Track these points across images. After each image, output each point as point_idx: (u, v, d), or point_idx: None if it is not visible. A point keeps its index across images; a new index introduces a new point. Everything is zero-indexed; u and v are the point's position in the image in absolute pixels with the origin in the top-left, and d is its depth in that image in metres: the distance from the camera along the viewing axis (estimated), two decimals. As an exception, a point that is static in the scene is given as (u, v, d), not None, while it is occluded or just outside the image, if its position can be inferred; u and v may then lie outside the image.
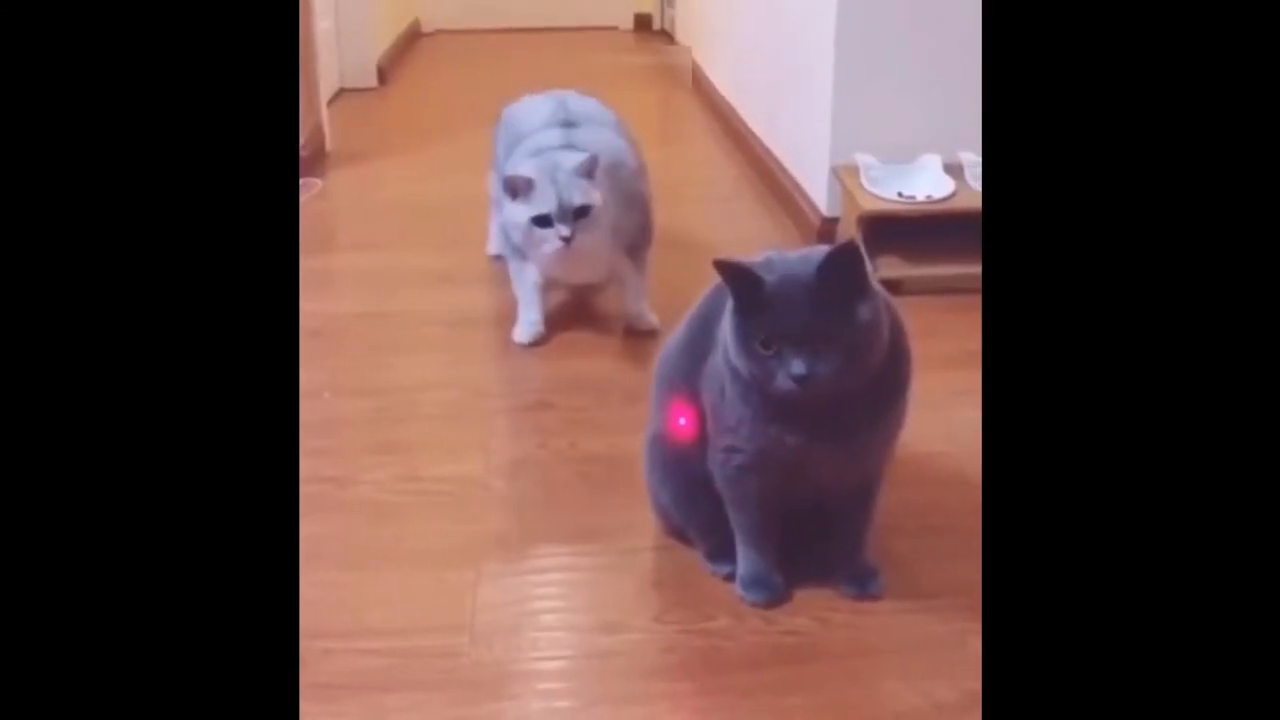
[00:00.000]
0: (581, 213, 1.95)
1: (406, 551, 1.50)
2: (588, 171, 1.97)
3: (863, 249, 1.17)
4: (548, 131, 2.14)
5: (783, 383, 1.15)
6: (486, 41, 5.86)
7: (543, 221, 1.95)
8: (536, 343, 2.11)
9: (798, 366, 1.14)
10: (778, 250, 1.23)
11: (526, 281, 2.13)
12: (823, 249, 1.17)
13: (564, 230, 1.94)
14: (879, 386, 1.22)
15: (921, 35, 2.41)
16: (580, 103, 2.26)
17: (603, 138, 2.15)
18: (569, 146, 2.06)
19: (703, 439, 1.33)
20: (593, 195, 1.96)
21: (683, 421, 1.33)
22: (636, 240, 2.15)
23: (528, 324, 2.13)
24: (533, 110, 2.24)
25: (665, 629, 1.33)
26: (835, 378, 1.15)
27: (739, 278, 1.17)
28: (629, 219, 2.11)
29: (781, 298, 1.15)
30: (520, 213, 1.97)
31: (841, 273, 1.15)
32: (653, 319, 2.14)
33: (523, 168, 2.00)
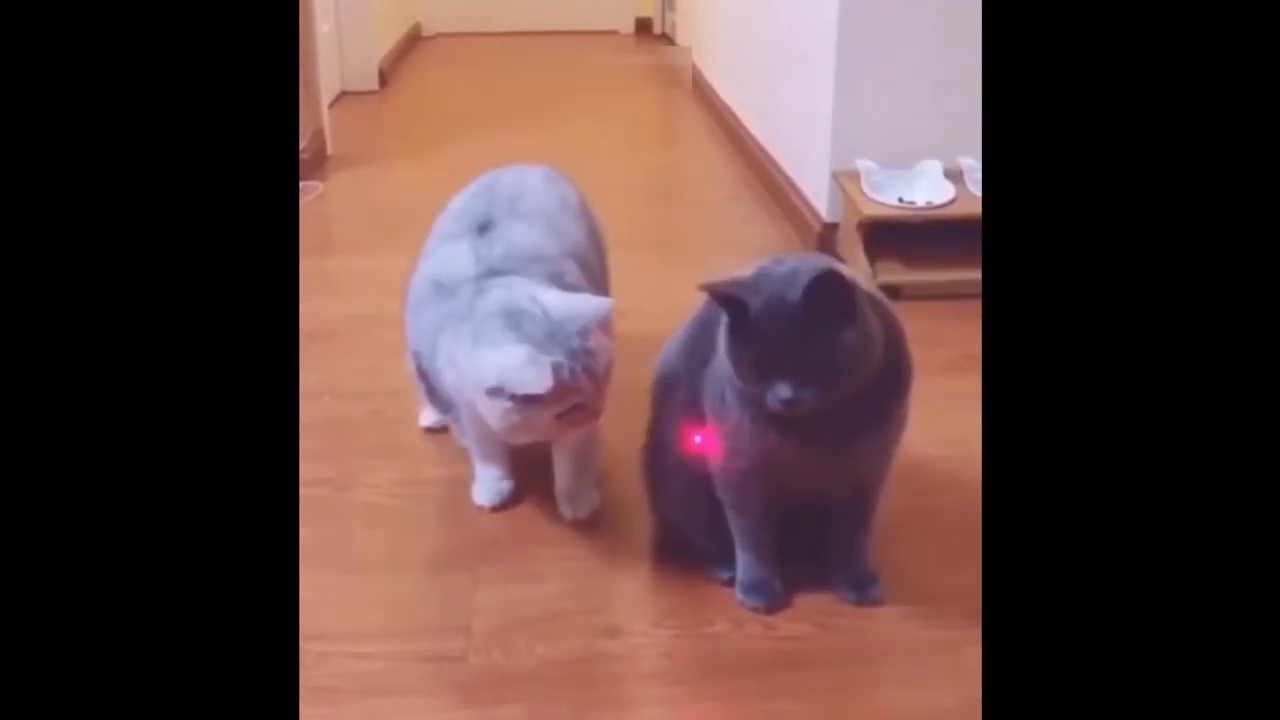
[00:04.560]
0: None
1: (404, 555, 1.49)
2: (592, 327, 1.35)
3: (845, 275, 1.16)
4: (456, 249, 1.58)
5: (771, 403, 1.17)
6: (487, 45, 5.86)
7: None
8: (503, 504, 1.59)
9: (784, 391, 1.15)
10: (774, 258, 1.22)
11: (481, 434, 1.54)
12: (811, 267, 1.15)
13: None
14: (879, 391, 1.22)
15: (922, 41, 2.41)
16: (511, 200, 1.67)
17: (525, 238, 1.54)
18: (490, 273, 1.46)
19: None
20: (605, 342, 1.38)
21: (698, 440, 1.32)
22: None
23: (491, 478, 1.59)
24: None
25: (663, 633, 1.33)
26: (821, 400, 1.16)
27: (726, 303, 1.18)
28: None
29: (766, 325, 1.15)
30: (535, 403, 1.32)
31: (825, 300, 1.14)
32: (595, 499, 1.57)
33: (525, 367, 1.29)
